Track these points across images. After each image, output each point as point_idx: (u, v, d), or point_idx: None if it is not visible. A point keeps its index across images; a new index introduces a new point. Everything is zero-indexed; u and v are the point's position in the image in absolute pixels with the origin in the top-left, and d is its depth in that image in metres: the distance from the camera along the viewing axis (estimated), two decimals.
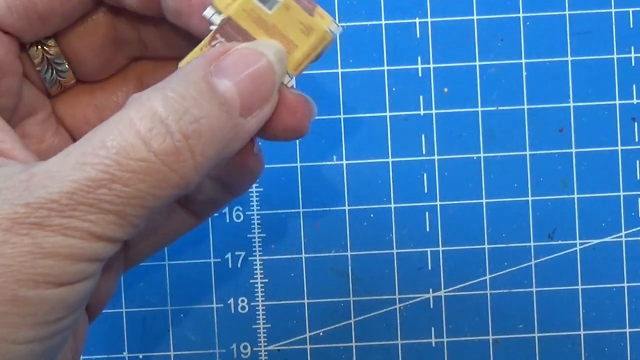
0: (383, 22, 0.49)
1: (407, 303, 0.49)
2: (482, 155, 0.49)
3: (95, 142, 0.29)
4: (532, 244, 0.49)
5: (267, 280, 0.49)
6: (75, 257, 0.29)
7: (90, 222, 0.29)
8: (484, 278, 0.49)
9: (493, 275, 0.49)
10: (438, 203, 0.49)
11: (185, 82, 0.31)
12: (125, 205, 0.29)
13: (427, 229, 0.49)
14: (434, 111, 0.49)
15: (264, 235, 0.49)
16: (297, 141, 0.49)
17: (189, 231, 0.38)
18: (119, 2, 0.35)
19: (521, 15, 0.49)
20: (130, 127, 0.29)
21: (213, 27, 0.33)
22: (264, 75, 0.32)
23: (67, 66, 0.36)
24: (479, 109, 0.49)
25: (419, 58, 0.49)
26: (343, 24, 0.49)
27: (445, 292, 0.49)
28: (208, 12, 0.33)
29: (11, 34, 0.34)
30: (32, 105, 0.36)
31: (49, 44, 0.36)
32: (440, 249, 0.49)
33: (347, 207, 0.49)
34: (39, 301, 0.29)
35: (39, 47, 0.36)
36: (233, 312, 0.49)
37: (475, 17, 0.49)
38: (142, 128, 0.29)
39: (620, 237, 0.49)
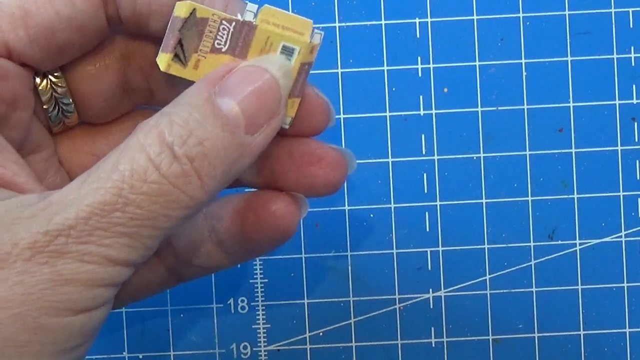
0: (383, 22, 0.49)
1: (407, 303, 0.49)
2: (482, 155, 0.49)
3: (108, 167, 0.30)
4: (532, 244, 0.49)
5: (267, 280, 0.49)
6: (93, 282, 0.30)
7: (106, 247, 0.30)
8: (484, 278, 0.49)
9: (493, 275, 0.49)
10: (438, 203, 0.49)
11: (189, 105, 0.31)
12: (139, 227, 0.30)
13: (427, 229, 0.49)
14: (434, 111, 0.49)
15: None
16: None
17: (162, 291, 0.38)
18: (141, 26, 0.35)
19: (521, 15, 0.49)
20: (140, 151, 0.30)
21: (246, 16, 0.33)
22: (268, 91, 0.32)
23: (73, 106, 0.37)
24: (479, 109, 0.49)
25: (419, 58, 0.49)
26: (343, 24, 0.49)
27: (445, 292, 0.49)
28: (251, 7, 0.34)
29: (28, 66, 0.35)
30: (38, 142, 0.37)
31: (59, 83, 0.36)
32: (440, 249, 0.49)
33: (347, 207, 0.49)
34: (60, 328, 0.29)
35: (49, 84, 0.36)
36: (233, 312, 0.49)
37: (475, 17, 0.49)
38: (152, 152, 0.30)
39: (620, 237, 0.49)
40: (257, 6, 0.34)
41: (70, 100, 0.37)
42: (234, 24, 0.33)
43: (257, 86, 0.32)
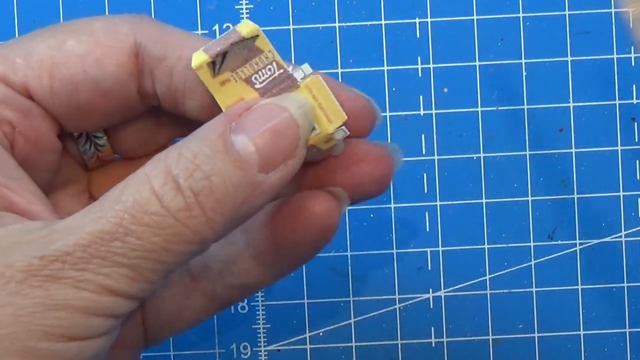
0: (383, 22, 0.49)
1: (407, 303, 0.49)
2: (482, 155, 0.49)
3: (112, 197, 0.30)
4: (532, 244, 0.49)
5: None
6: (88, 310, 0.29)
7: (103, 275, 0.29)
8: (484, 278, 0.49)
9: (493, 275, 0.49)
10: (438, 203, 0.49)
11: (201, 139, 0.31)
12: (140, 258, 0.29)
13: (427, 229, 0.49)
14: (434, 111, 0.49)
15: None
16: None
17: (206, 319, 0.37)
18: (180, 111, 0.35)
19: (521, 15, 0.49)
20: (145, 182, 0.30)
21: (295, 72, 0.33)
22: (286, 130, 0.31)
23: (106, 140, 0.36)
24: (479, 109, 0.49)
25: (419, 58, 0.49)
26: (343, 24, 0.49)
27: (445, 292, 0.49)
28: (305, 68, 0.33)
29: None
30: (67, 177, 0.36)
31: None
32: (440, 249, 0.49)
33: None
34: (50, 354, 0.29)
35: None
36: (233, 312, 0.49)
37: (475, 17, 0.49)
38: (156, 184, 0.30)
39: (620, 237, 0.49)
40: (312, 71, 0.33)
41: (103, 134, 0.36)
42: (281, 71, 0.33)
43: (274, 124, 0.31)
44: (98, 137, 0.36)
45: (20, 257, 0.29)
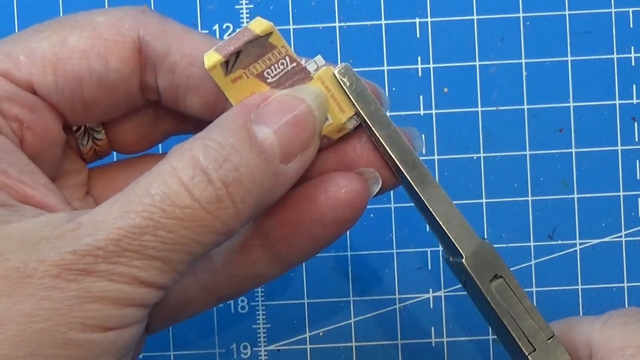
0: (383, 22, 0.49)
1: (407, 303, 0.49)
2: (482, 155, 0.49)
3: (139, 190, 0.30)
4: (532, 244, 0.49)
5: None
6: (122, 301, 0.30)
7: (136, 268, 0.30)
8: None
9: None
10: None
11: (225, 130, 0.31)
12: (170, 251, 0.30)
13: (427, 229, 0.49)
14: (434, 111, 0.49)
15: None
16: None
17: (202, 311, 0.37)
18: (180, 107, 0.35)
19: (521, 15, 0.49)
20: (173, 175, 0.30)
21: (308, 65, 0.34)
22: (304, 121, 0.32)
23: (104, 134, 0.37)
24: (479, 109, 0.49)
25: (419, 58, 0.49)
26: (343, 24, 0.49)
27: (445, 292, 0.49)
28: (318, 60, 0.34)
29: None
30: (66, 168, 0.37)
31: None
32: (440, 249, 0.49)
33: None
34: (88, 345, 0.29)
35: None
36: (233, 312, 0.49)
37: (475, 17, 0.49)
38: (185, 176, 0.30)
39: (620, 237, 0.49)
40: (324, 62, 0.34)
41: (101, 128, 0.37)
42: (294, 64, 0.33)
43: (294, 115, 0.32)
44: (97, 131, 0.37)
45: (52, 252, 0.29)
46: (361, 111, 0.34)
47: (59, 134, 0.35)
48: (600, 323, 0.36)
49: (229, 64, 0.33)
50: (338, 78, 0.34)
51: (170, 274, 0.30)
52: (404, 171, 0.34)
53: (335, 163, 0.35)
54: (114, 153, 0.39)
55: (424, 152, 0.49)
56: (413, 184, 0.34)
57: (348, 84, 0.34)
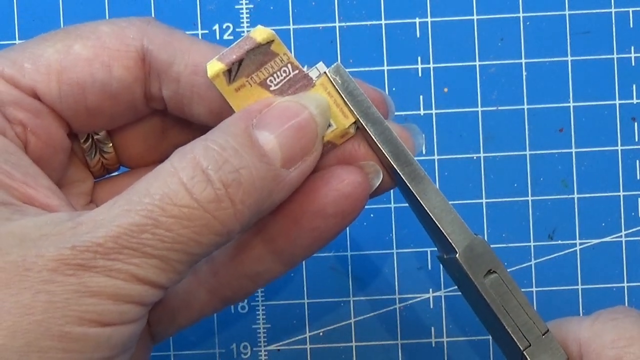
0: (383, 22, 0.49)
1: (407, 303, 0.49)
2: (482, 155, 0.49)
3: (140, 190, 0.31)
4: (532, 244, 0.49)
5: None
6: (120, 297, 0.30)
7: (134, 265, 0.30)
8: None
9: None
10: None
11: (226, 133, 0.32)
12: (169, 250, 0.30)
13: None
14: (434, 111, 0.49)
15: None
16: None
17: (208, 315, 0.38)
18: (186, 115, 0.35)
19: (521, 15, 0.49)
20: (173, 175, 0.31)
21: (310, 72, 0.34)
22: (306, 128, 0.33)
23: (111, 147, 0.37)
24: (479, 109, 0.49)
25: (419, 58, 0.49)
26: (343, 24, 0.49)
27: (445, 292, 0.49)
28: (320, 67, 0.34)
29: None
30: (71, 177, 0.37)
31: None
32: None
33: None
34: (84, 338, 0.30)
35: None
36: (233, 312, 0.49)
37: (475, 17, 0.49)
38: (185, 176, 0.30)
39: (620, 237, 0.49)
40: (327, 69, 0.34)
41: (109, 142, 0.37)
42: (297, 71, 0.34)
43: (296, 122, 0.32)
44: (104, 143, 0.37)
45: (51, 247, 0.30)
46: (353, 109, 0.34)
47: (63, 140, 0.35)
48: (589, 320, 0.36)
49: (232, 72, 0.33)
50: (330, 77, 0.34)
51: (168, 274, 0.31)
52: (397, 168, 0.34)
53: (336, 158, 0.35)
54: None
55: (424, 152, 0.49)
56: (406, 181, 0.34)
57: (340, 82, 0.34)
